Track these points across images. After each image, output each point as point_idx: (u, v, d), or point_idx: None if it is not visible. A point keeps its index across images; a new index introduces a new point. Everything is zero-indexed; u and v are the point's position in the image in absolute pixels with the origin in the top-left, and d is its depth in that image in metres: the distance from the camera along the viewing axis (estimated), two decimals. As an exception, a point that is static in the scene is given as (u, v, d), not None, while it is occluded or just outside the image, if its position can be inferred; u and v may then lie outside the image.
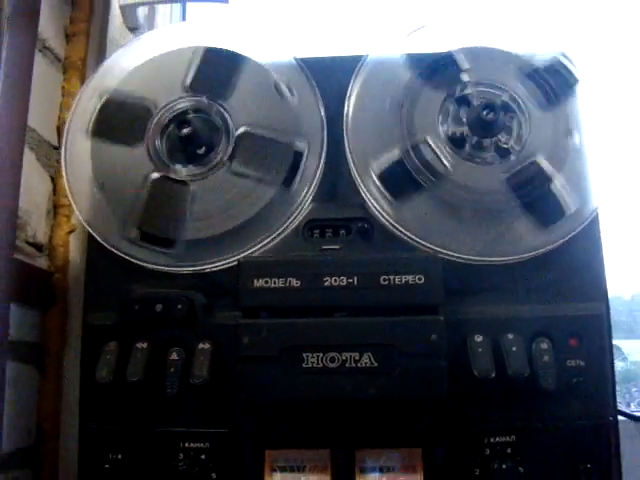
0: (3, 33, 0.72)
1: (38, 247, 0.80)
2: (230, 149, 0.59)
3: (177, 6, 0.88)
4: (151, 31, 0.65)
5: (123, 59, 0.63)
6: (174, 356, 0.54)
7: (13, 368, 0.71)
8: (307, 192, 0.56)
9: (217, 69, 0.61)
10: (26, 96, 0.75)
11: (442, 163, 0.57)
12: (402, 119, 0.59)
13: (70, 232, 0.83)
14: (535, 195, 0.56)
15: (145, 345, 0.54)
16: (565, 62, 0.60)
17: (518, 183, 0.56)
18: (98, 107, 0.61)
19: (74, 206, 0.58)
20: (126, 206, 0.57)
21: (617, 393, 1.28)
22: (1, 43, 0.72)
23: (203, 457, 0.54)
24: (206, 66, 0.61)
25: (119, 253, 0.55)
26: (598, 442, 0.53)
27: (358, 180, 0.57)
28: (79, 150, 0.61)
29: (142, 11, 0.83)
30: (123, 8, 0.80)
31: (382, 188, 0.57)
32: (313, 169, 0.57)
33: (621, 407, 1.29)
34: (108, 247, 0.55)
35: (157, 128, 0.59)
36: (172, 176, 0.57)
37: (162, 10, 0.87)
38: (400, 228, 0.55)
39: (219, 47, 0.62)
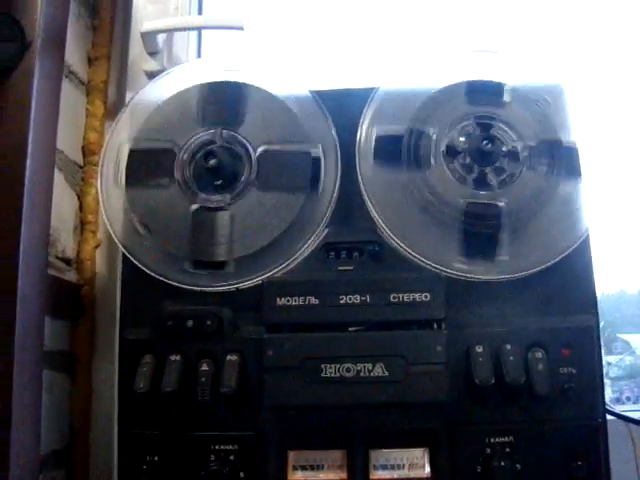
0: (33, 62, 0.79)
1: (67, 262, 0.87)
2: (254, 170, 0.66)
3: (194, 32, 0.95)
4: (165, 73, 0.71)
5: (140, 105, 0.70)
6: (205, 367, 0.61)
7: (47, 376, 0.78)
8: (323, 218, 0.63)
9: (224, 101, 0.68)
10: (55, 120, 0.82)
11: (428, 158, 0.64)
12: (423, 109, 0.66)
13: (96, 247, 0.91)
14: (477, 229, 0.62)
15: (178, 357, 0.61)
16: (580, 154, 0.65)
17: (472, 212, 0.62)
18: (125, 159, 0.67)
19: (113, 235, 0.65)
20: (176, 240, 0.64)
21: (626, 387, 1.34)
22: (32, 71, 0.79)
23: (232, 458, 0.60)
24: (213, 100, 0.67)
25: (160, 278, 0.63)
26: (588, 441, 0.60)
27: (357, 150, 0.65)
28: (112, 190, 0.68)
29: (161, 37, 0.89)
30: (143, 35, 0.87)
31: (371, 150, 0.64)
32: (329, 195, 0.64)
33: (628, 402, 1.35)
34: (149, 272, 0.62)
35: (182, 164, 0.66)
36: (208, 205, 0.64)
37: (180, 35, 0.93)
38: (364, 189, 0.63)
39: (221, 80, 0.68)
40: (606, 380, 1.36)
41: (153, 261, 0.64)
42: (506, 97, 0.66)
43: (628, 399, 1.41)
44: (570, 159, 0.65)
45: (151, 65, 0.91)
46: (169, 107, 0.68)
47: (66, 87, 0.87)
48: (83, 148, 0.93)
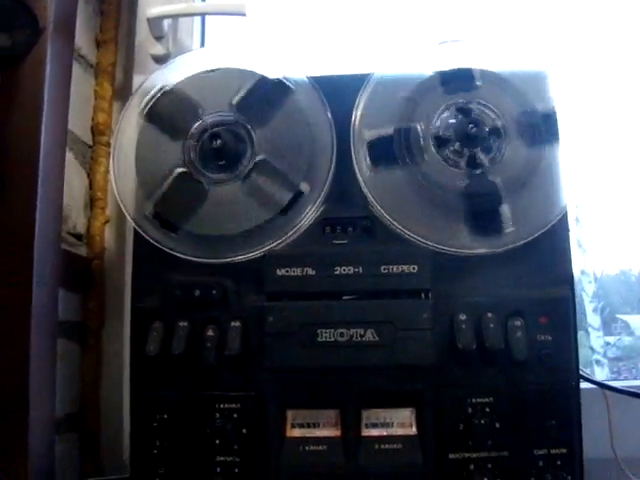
0: (46, 47, 0.86)
1: (78, 237, 0.94)
2: (256, 148, 0.71)
3: (198, 17, 1.02)
4: (170, 62, 0.76)
5: (185, 64, 0.76)
6: (210, 332, 0.68)
7: (60, 344, 0.85)
8: (320, 195, 0.70)
9: (264, 97, 0.73)
10: (67, 102, 0.89)
11: (421, 152, 0.70)
12: (407, 107, 0.71)
13: (105, 223, 0.98)
14: (481, 208, 0.68)
15: (185, 324, 0.68)
16: (557, 118, 0.71)
17: (471, 193, 0.68)
18: (158, 95, 0.73)
19: (124, 210, 0.71)
20: (151, 186, 0.71)
21: (623, 367, 1.40)
22: (44, 56, 0.85)
23: (235, 416, 0.67)
24: (256, 91, 0.73)
25: (164, 248, 0.69)
26: (562, 403, 0.66)
27: (352, 146, 0.70)
28: (127, 149, 0.73)
29: (166, 22, 0.96)
30: (149, 20, 0.93)
31: (367, 153, 0.70)
32: (324, 176, 0.70)
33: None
34: (155, 244, 0.69)
35: (197, 132, 0.72)
36: (216, 183, 0.71)
37: (184, 20, 1.00)
38: (368, 193, 0.69)
39: (272, 77, 0.74)
40: (604, 360, 1.43)
41: (162, 236, 0.70)
42: (478, 81, 0.71)
43: (626, 379, 1.47)
44: (548, 125, 0.71)
45: (157, 49, 0.97)
46: (211, 77, 0.74)
47: (75, 70, 0.93)
48: (92, 128, 0.99)
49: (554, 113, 0.71)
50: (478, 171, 0.70)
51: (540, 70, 0.74)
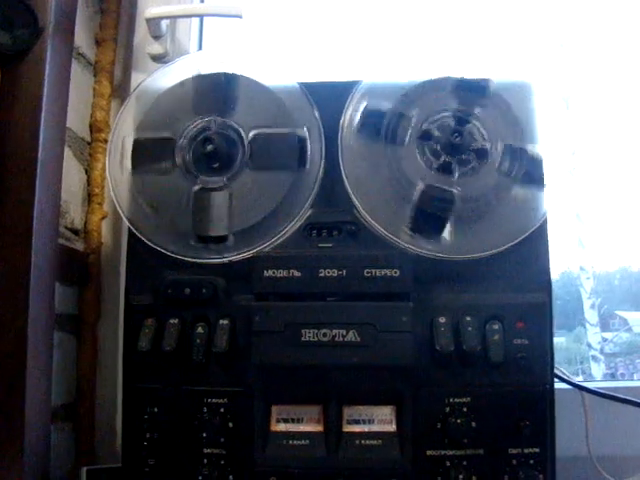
0: (46, 46, 0.89)
1: (75, 232, 0.98)
2: (247, 153, 0.75)
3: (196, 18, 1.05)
4: (166, 65, 0.79)
5: (144, 94, 0.79)
6: (200, 330, 0.72)
7: (56, 337, 0.89)
8: (307, 200, 0.74)
9: (216, 91, 0.77)
10: (65, 100, 0.92)
11: (404, 137, 0.74)
12: (412, 94, 0.76)
13: (102, 218, 1.02)
14: (432, 210, 0.72)
15: (176, 321, 0.72)
16: (545, 166, 0.74)
17: (429, 194, 0.73)
18: (129, 147, 0.77)
19: (120, 211, 0.75)
20: (179, 218, 0.75)
21: (621, 364, 1.44)
22: (44, 55, 0.89)
23: (222, 410, 0.71)
24: (206, 91, 0.77)
25: (157, 247, 0.73)
26: (536, 404, 0.70)
27: (350, 194, 0.74)
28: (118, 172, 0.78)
29: (165, 22, 0.99)
30: (148, 20, 0.97)
31: (358, 120, 0.75)
32: (314, 176, 0.74)
33: (622, 379, 1.42)
34: (148, 243, 0.73)
35: (182, 150, 0.76)
36: (208, 186, 0.75)
37: (182, 20, 1.03)
38: (340, 155, 0.74)
39: (213, 72, 0.78)
40: (601, 356, 1.47)
41: (155, 235, 0.74)
42: (487, 98, 0.75)
43: (622, 375, 1.49)
44: (532, 168, 0.74)
45: (155, 48, 1.01)
46: (167, 98, 0.78)
47: (75, 68, 0.96)
48: (90, 125, 1.03)
49: (541, 160, 0.75)
50: (444, 178, 0.74)
51: (523, 79, 0.77)
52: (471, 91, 0.76)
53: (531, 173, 0.74)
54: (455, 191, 0.73)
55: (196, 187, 0.75)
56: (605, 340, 1.49)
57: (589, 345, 1.48)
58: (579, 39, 1.41)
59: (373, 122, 0.75)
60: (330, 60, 1.09)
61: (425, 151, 0.74)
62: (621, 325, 1.54)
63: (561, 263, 1.48)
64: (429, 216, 0.72)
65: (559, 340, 1.49)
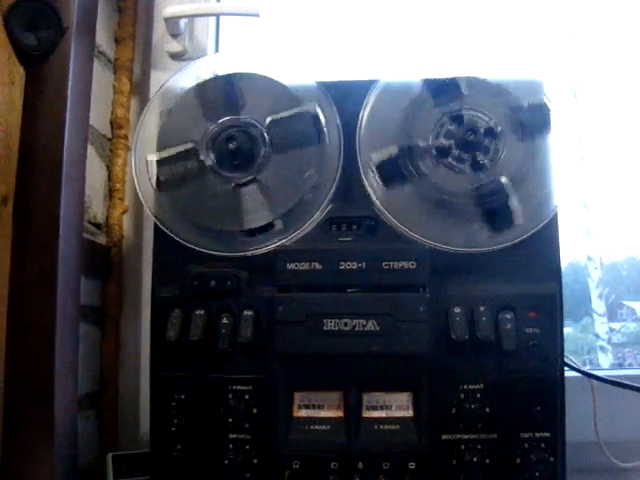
0: (69, 46, 0.93)
1: (98, 226, 1.02)
2: (268, 141, 0.79)
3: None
4: (183, 68, 0.84)
5: (201, 68, 0.83)
6: (225, 320, 0.75)
7: (81, 328, 0.93)
8: (327, 195, 0.78)
9: (221, 94, 0.81)
10: (88, 98, 0.96)
11: (426, 164, 0.77)
12: (405, 125, 0.79)
13: (123, 212, 1.06)
14: (493, 206, 0.76)
15: (202, 312, 0.76)
16: (547, 107, 0.77)
17: (482, 193, 0.76)
18: (155, 163, 0.80)
19: (145, 205, 0.79)
20: (200, 211, 0.79)
21: (628, 354, 1.45)
22: (68, 55, 0.93)
23: (247, 397, 0.75)
24: (210, 96, 0.80)
25: (183, 242, 0.77)
26: (547, 390, 0.74)
27: (362, 174, 0.78)
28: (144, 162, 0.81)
29: (183, 20, 1.03)
30: (166, 19, 1.01)
31: (377, 176, 0.77)
32: (332, 177, 0.78)
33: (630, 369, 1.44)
34: (175, 237, 0.77)
35: (205, 155, 0.79)
36: (239, 182, 0.79)
37: (200, 19, 1.07)
38: (387, 213, 0.76)
39: (211, 77, 0.81)
40: (608, 346, 1.49)
41: (181, 230, 0.78)
42: (464, 89, 0.78)
43: (630, 365, 1.52)
44: (537, 115, 0.77)
45: (173, 46, 1.05)
46: (179, 110, 0.81)
47: (95, 66, 1.00)
48: (111, 122, 1.07)
49: (543, 104, 0.78)
50: (482, 172, 0.77)
51: (527, 75, 0.80)
52: (446, 90, 0.79)
53: (539, 119, 0.77)
54: (500, 177, 0.76)
55: (229, 186, 0.79)
56: (612, 330, 1.51)
57: (596, 335, 1.50)
58: (586, 29, 1.42)
59: (392, 171, 0.78)
60: (346, 58, 1.12)
61: (450, 162, 0.78)
62: (629, 315, 1.55)
63: (569, 253, 1.49)
64: (494, 211, 0.76)
65: (566, 330, 1.51)
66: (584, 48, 1.43)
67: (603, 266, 1.53)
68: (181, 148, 0.79)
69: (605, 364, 1.47)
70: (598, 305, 1.52)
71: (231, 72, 0.82)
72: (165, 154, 0.79)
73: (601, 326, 1.51)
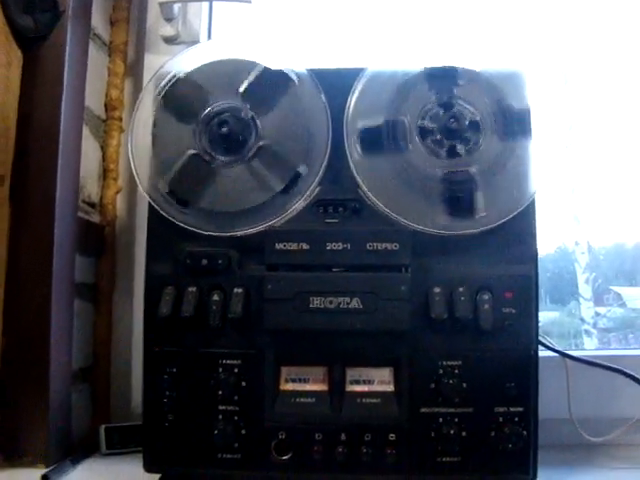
0: (65, 29, 0.97)
1: (92, 205, 1.07)
2: (259, 127, 0.83)
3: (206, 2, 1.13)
4: (180, 54, 0.87)
5: (195, 54, 0.86)
6: (216, 297, 0.80)
7: (75, 305, 0.98)
8: (315, 179, 0.82)
9: (267, 87, 0.84)
10: (84, 80, 1.00)
11: (406, 141, 0.81)
12: (394, 101, 0.83)
13: (117, 192, 1.11)
14: (458, 194, 0.80)
15: (194, 289, 0.80)
16: (531, 115, 0.82)
17: (451, 180, 0.80)
18: (172, 81, 0.84)
19: (140, 185, 0.83)
20: (165, 165, 0.82)
21: (614, 338, 1.48)
22: (64, 38, 0.97)
23: (236, 370, 0.79)
24: (260, 81, 0.84)
25: (176, 222, 0.81)
26: (521, 367, 0.78)
27: (345, 134, 0.82)
28: (142, 131, 0.84)
29: (176, 5, 1.07)
30: (160, 3, 1.05)
31: (357, 142, 0.82)
32: (320, 160, 0.82)
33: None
34: (168, 217, 0.81)
35: (206, 118, 0.83)
36: (231, 164, 0.83)
37: (193, 4, 1.11)
38: (357, 177, 0.81)
39: (277, 68, 0.85)
40: (594, 330, 1.52)
41: (175, 210, 0.82)
42: (460, 80, 0.83)
43: (615, 350, 1.56)
44: (521, 122, 0.82)
45: (167, 30, 1.09)
46: (219, 67, 0.85)
47: (90, 48, 1.04)
48: (105, 104, 1.11)
49: (528, 111, 0.82)
50: (456, 160, 0.82)
51: (518, 70, 0.84)
52: (443, 77, 0.84)
53: (522, 126, 0.82)
54: (471, 169, 0.81)
55: (221, 168, 0.83)
56: (598, 315, 1.52)
57: (582, 319, 1.51)
58: (578, 13, 1.42)
59: (373, 139, 0.82)
60: (335, 46, 1.16)
61: (429, 144, 0.82)
62: (615, 300, 1.56)
63: (556, 238, 1.51)
64: (459, 199, 0.81)
65: (553, 314, 1.53)
66: (575, 33, 1.43)
67: (590, 251, 1.53)
68: (200, 90, 0.84)
69: (591, 348, 1.48)
70: (585, 290, 1.52)
71: (224, 59, 0.86)
72: (185, 78, 0.84)
73: (587, 310, 1.51)
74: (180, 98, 0.85)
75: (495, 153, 0.82)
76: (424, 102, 0.83)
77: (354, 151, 0.82)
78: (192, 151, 0.83)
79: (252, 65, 0.85)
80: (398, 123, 0.82)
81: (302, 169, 0.83)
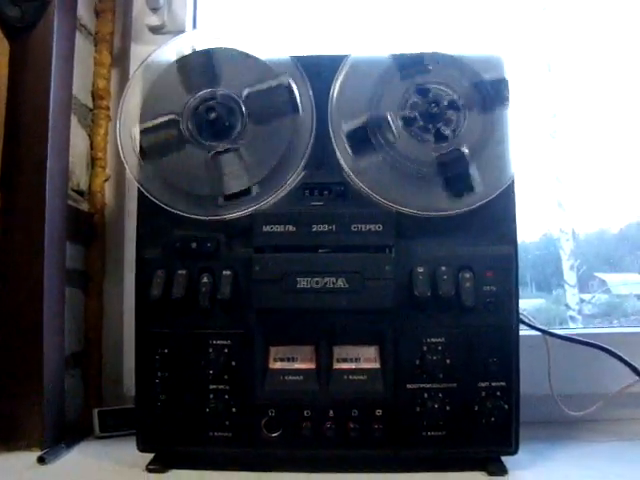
0: (52, 18, 0.99)
1: (81, 193, 1.10)
2: (245, 112, 0.86)
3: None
4: (164, 45, 0.90)
5: (148, 70, 0.89)
6: (205, 280, 0.83)
7: (66, 291, 1.01)
8: (300, 163, 0.85)
9: (198, 68, 0.87)
10: (71, 69, 1.03)
11: (393, 135, 0.85)
12: (374, 97, 0.86)
13: (105, 180, 1.14)
14: (454, 173, 0.83)
15: (184, 272, 0.83)
16: (506, 82, 0.85)
17: (444, 162, 0.84)
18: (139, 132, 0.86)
19: (130, 173, 0.85)
20: (198, 184, 0.85)
21: (599, 324, 1.51)
22: (51, 27, 0.99)
23: (226, 351, 0.82)
24: (188, 70, 0.87)
25: (165, 207, 0.84)
26: (502, 343, 0.82)
27: (333, 142, 0.85)
28: (129, 132, 0.87)
29: (162, -6, 1.10)
30: (146, -7, 1.08)
31: (347, 145, 0.85)
32: (305, 145, 0.85)
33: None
34: (158, 203, 0.84)
35: (186, 126, 0.86)
36: (218, 150, 0.85)
37: (178, -7, 1.14)
38: (355, 178, 0.84)
39: (188, 53, 0.88)
40: (579, 317, 1.55)
41: (163, 196, 0.85)
42: (429, 64, 0.86)
43: None
44: (497, 90, 0.85)
45: (152, 20, 1.12)
46: (161, 83, 0.88)
47: (77, 39, 1.07)
48: (92, 93, 1.14)
49: (502, 79, 0.86)
50: (445, 142, 0.85)
51: (494, 54, 0.88)
52: (412, 64, 0.87)
53: (499, 93, 0.85)
54: (461, 148, 0.84)
55: (209, 154, 0.85)
56: (583, 301, 1.55)
57: (567, 306, 1.54)
58: (562, 2, 1.46)
59: (361, 139, 0.85)
60: (318, 33, 1.19)
61: (415, 132, 0.85)
62: (599, 286, 1.60)
63: (541, 225, 1.55)
64: (456, 178, 0.84)
65: (538, 301, 1.57)
66: (560, 21, 1.47)
67: (575, 238, 1.57)
68: (164, 119, 0.86)
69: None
70: (570, 276, 1.56)
71: (210, 47, 0.88)
72: (148, 124, 0.86)
73: (572, 297, 1.55)
74: (193, 68, 0.88)
75: (479, 127, 0.85)
76: (400, 93, 0.86)
77: (346, 155, 0.85)
78: (173, 116, 0.86)
79: (268, 74, 0.88)
80: (381, 119, 0.85)
81: (287, 154, 0.86)
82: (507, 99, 0.86)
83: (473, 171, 0.84)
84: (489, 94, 0.86)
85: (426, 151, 0.85)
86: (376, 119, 0.86)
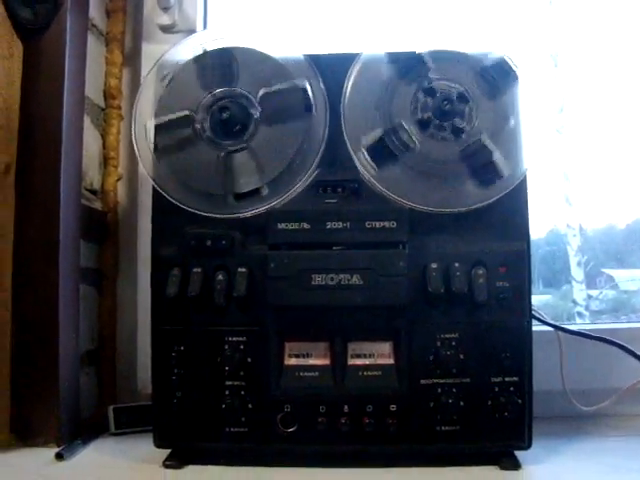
0: (65, 20, 1.00)
1: (94, 193, 1.11)
2: (259, 112, 0.87)
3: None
4: (178, 44, 0.91)
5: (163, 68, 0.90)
6: (220, 277, 0.84)
7: (81, 289, 1.03)
8: (314, 161, 0.86)
9: (216, 67, 0.88)
10: (83, 70, 1.04)
11: (412, 140, 0.85)
12: (383, 107, 0.86)
13: (118, 179, 1.15)
14: (479, 164, 0.84)
15: (199, 270, 0.84)
16: (509, 63, 0.86)
17: (467, 154, 0.84)
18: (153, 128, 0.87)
19: (146, 172, 0.86)
20: (194, 175, 0.86)
21: (607, 320, 1.50)
22: (64, 28, 1.00)
23: (241, 347, 0.83)
24: (206, 68, 0.88)
25: (180, 205, 0.85)
26: (515, 338, 0.83)
27: (352, 152, 0.85)
28: (143, 129, 0.88)
29: (173, -7, 1.11)
30: (157, -8, 1.09)
31: (369, 159, 0.85)
32: (319, 143, 0.86)
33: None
34: (172, 200, 0.85)
35: (201, 124, 0.87)
36: (231, 149, 0.86)
37: (189, -8, 1.15)
38: (381, 188, 0.84)
39: (211, 50, 0.89)
40: (586, 312, 1.56)
41: (177, 193, 0.86)
42: (429, 63, 0.86)
43: None
44: (500, 72, 0.86)
45: (163, 19, 1.13)
46: (178, 80, 0.89)
47: (88, 39, 1.08)
48: (104, 93, 1.15)
49: (502, 60, 0.86)
50: (464, 135, 0.85)
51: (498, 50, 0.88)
52: (412, 66, 0.87)
53: (504, 74, 0.86)
54: (479, 137, 0.84)
55: (222, 152, 0.86)
56: (591, 297, 1.56)
57: (575, 302, 1.55)
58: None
59: (382, 152, 0.86)
60: (331, 31, 1.20)
61: (432, 133, 0.86)
62: (607, 282, 1.59)
63: (548, 221, 1.54)
64: (482, 168, 0.84)
65: (546, 297, 1.58)
66: (566, 15, 1.46)
67: (583, 234, 1.57)
68: (179, 114, 0.87)
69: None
70: (577, 272, 1.56)
71: (227, 46, 0.89)
72: (164, 119, 0.87)
73: (579, 293, 1.55)
74: (212, 66, 0.89)
75: (492, 114, 0.86)
76: (408, 98, 0.87)
77: (370, 169, 0.86)
78: (188, 112, 0.87)
79: (285, 74, 0.88)
80: (397, 128, 0.86)
81: (301, 152, 0.87)
82: (512, 77, 0.86)
83: (497, 157, 0.84)
84: (493, 78, 0.86)
85: (449, 149, 0.85)
86: (392, 130, 0.86)
